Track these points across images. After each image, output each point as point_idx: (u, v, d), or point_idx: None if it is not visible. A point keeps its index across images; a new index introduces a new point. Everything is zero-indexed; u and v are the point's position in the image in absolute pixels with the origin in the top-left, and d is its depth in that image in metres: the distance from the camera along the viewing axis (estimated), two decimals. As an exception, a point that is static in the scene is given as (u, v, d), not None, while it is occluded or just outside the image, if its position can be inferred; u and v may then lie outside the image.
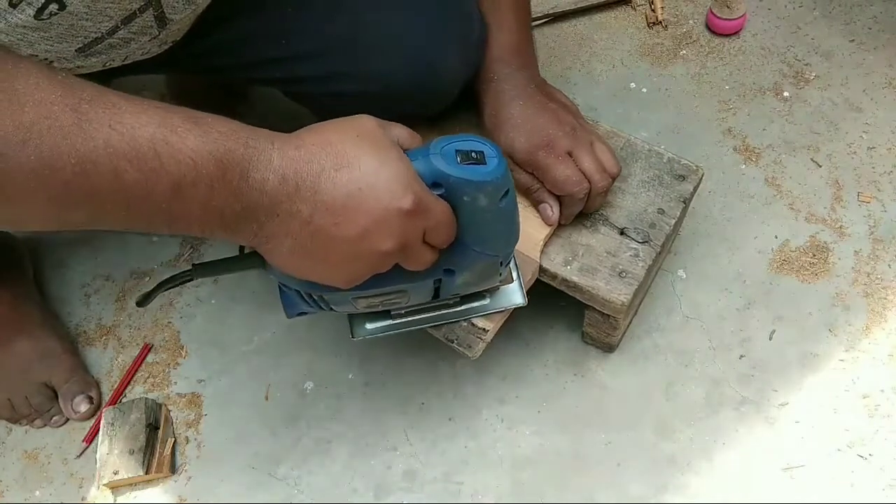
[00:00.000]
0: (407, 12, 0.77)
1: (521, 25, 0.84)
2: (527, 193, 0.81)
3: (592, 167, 0.78)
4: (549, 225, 0.81)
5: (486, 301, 0.77)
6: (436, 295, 0.71)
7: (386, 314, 0.76)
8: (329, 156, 0.54)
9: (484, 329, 0.78)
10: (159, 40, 0.68)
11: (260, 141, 0.52)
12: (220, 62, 0.81)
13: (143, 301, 0.65)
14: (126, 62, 0.69)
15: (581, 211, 0.81)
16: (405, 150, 0.58)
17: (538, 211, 0.81)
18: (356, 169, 0.54)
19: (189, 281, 0.65)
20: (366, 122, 0.58)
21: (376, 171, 0.54)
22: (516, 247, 0.75)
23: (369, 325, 0.77)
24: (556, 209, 0.80)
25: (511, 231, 0.66)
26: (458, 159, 0.58)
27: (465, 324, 0.78)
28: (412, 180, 0.56)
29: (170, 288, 0.64)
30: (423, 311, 0.76)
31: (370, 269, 0.59)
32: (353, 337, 0.76)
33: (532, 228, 0.81)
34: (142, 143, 0.47)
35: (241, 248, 0.68)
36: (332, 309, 0.68)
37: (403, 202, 0.55)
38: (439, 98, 0.82)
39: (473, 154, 0.58)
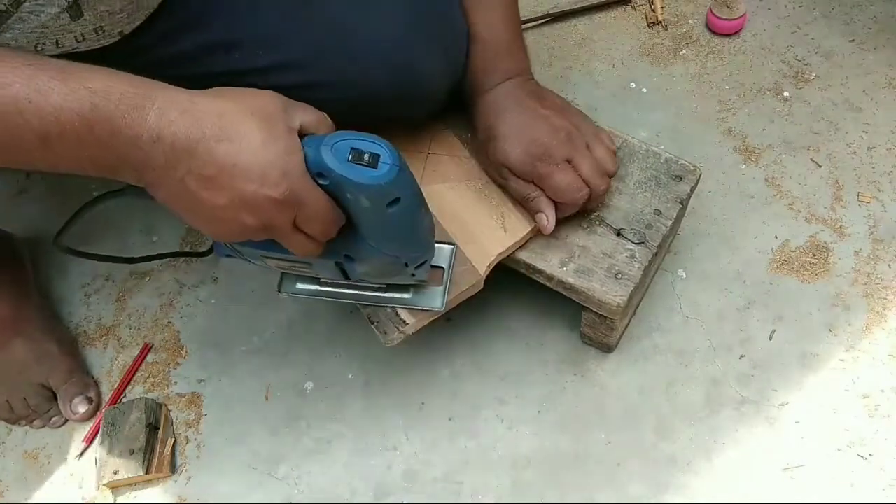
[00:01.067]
0: (386, 18, 0.75)
1: (510, 29, 0.83)
2: (524, 202, 0.81)
3: (591, 171, 0.78)
4: (546, 234, 0.80)
5: (409, 296, 0.78)
6: (345, 276, 0.72)
7: (315, 280, 0.78)
8: (214, 125, 0.55)
9: (404, 321, 0.78)
10: (88, 23, 0.66)
11: (138, 97, 0.54)
12: (198, 70, 0.78)
13: (59, 234, 0.68)
14: (62, 49, 0.67)
15: (579, 211, 0.81)
16: (307, 135, 0.59)
17: (535, 220, 0.81)
18: (237, 144, 0.55)
19: (119, 196, 0.68)
20: (267, 100, 0.58)
21: (255, 152, 0.55)
22: (469, 254, 0.78)
23: (299, 286, 0.79)
24: (553, 219, 0.80)
25: (409, 238, 0.67)
26: (350, 157, 0.58)
27: (391, 311, 0.79)
28: (292, 169, 0.57)
29: (96, 204, 0.68)
30: (350, 287, 0.78)
31: (237, 236, 0.61)
32: (279, 291, 0.79)
33: (488, 241, 0.81)
34: (7, 101, 0.51)
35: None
36: (247, 260, 0.70)
37: (273, 190, 0.56)
38: (422, 104, 0.81)
39: (367, 156, 0.58)
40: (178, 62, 0.77)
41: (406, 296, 0.78)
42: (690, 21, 1.21)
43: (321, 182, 0.58)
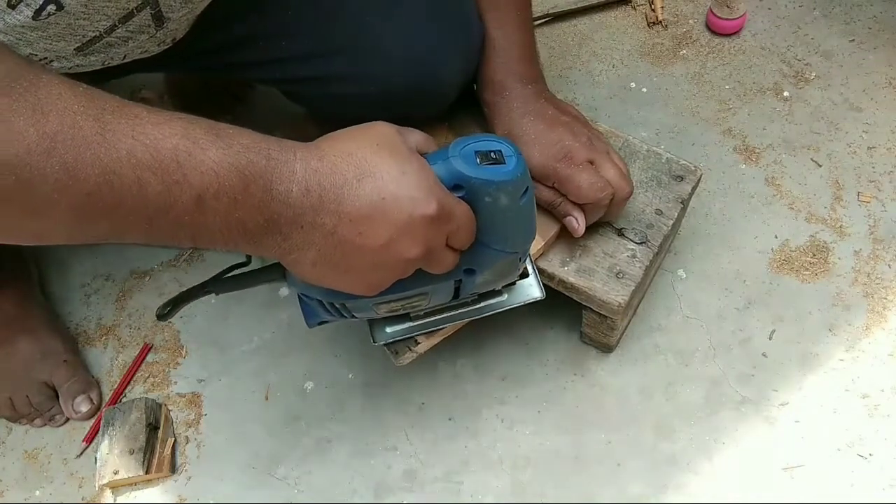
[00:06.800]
0: (407, 15, 0.77)
1: (529, 40, 0.84)
2: (550, 209, 0.80)
3: (615, 173, 0.77)
4: (577, 236, 0.80)
5: (504, 297, 0.77)
6: (456, 295, 0.70)
7: (405, 317, 0.76)
8: (351, 166, 0.53)
9: (416, 341, 0.79)
10: (157, 39, 0.68)
11: (283, 152, 0.52)
12: (219, 61, 0.81)
13: (164, 316, 0.65)
14: (125, 60, 0.69)
15: (602, 219, 0.81)
16: (423, 155, 0.58)
17: (564, 224, 0.80)
18: (378, 178, 0.54)
19: (209, 294, 0.66)
20: (383, 129, 0.58)
21: (398, 180, 0.54)
22: None
23: (389, 329, 0.76)
24: (582, 220, 0.79)
25: (530, 227, 0.66)
26: (478, 160, 0.58)
27: None
28: (434, 186, 0.56)
29: (189, 302, 0.66)
30: (442, 311, 0.76)
31: (394, 276, 0.59)
32: (374, 342, 0.76)
33: None
34: (165, 154, 0.47)
35: (249, 257, 0.68)
36: (353, 316, 0.68)
37: (428, 209, 0.55)
38: (437, 100, 0.82)
39: (492, 154, 0.58)
40: (204, 56, 0.78)
41: (502, 298, 0.77)
42: (690, 21, 1.21)
43: (457, 194, 0.58)
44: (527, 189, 0.61)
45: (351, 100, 0.80)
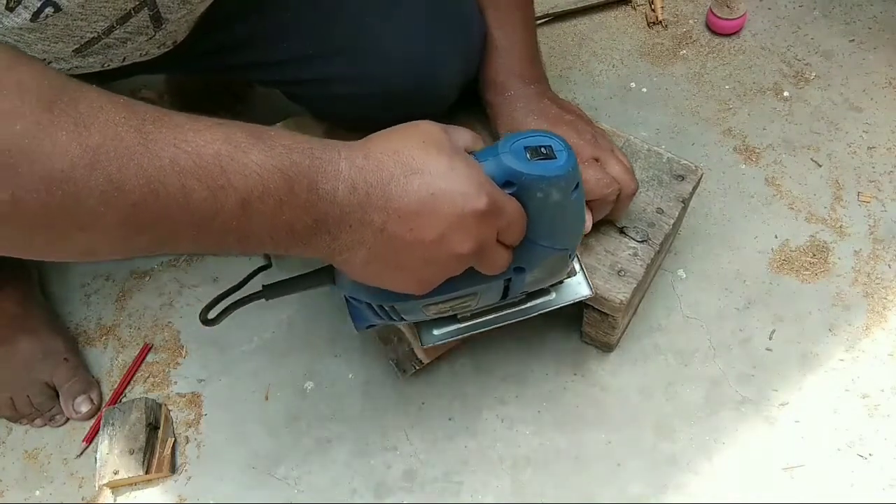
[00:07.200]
0: (406, 16, 0.77)
1: (530, 40, 0.84)
2: None
3: (620, 169, 0.77)
4: (584, 234, 0.79)
5: (552, 296, 0.76)
6: (504, 294, 0.70)
7: (453, 318, 0.75)
8: (398, 163, 0.53)
9: (421, 360, 0.85)
10: (157, 41, 0.68)
11: (326, 151, 0.52)
12: (219, 63, 0.81)
13: (213, 321, 0.65)
14: (125, 63, 0.69)
15: (606, 217, 0.80)
16: (471, 153, 0.58)
17: None
18: (426, 174, 0.53)
19: (259, 299, 0.66)
20: (429, 127, 0.57)
21: (446, 175, 0.54)
22: None
23: (437, 332, 0.76)
24: (589, 218, 0.78)
25: (580, 223, 0.66)
26: (528, 156, 0.57)
27: (407, 349, 0.84)
28: (484, 181, 0.55)
29: (239, 308, 0.66)
30: (490, 311, 0.76)
31: (446, 273, 0.59)
32: (422, 344, 0.76)
33: None
34: (208, 160, 0.47)
35: (268, 259, 0.68)
36: (402, 318, 0.68)
37: (478, 203, 0.54)
38: (437, 101, 0.82)
39: (542, 149, 0.57)
40: (204, 57, 0.78)
41: (550, 297, 0.76)
42: (690, 21, 1.21)
43: (508, 191, 0.58)
44: (578, 184, 0.60)
45: (351, 100, 0.80)
